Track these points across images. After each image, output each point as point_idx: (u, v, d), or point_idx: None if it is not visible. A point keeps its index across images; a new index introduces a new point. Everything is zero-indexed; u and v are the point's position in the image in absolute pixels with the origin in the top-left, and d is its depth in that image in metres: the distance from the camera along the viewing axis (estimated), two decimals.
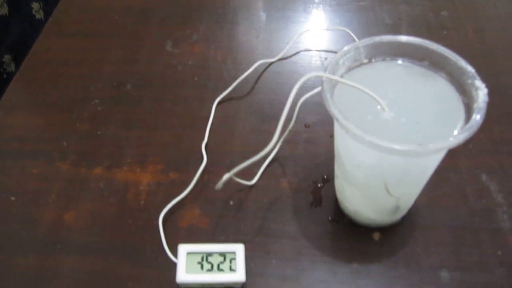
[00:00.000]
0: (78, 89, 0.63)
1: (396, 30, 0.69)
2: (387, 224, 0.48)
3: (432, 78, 0.41)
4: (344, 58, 0.41)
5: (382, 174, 0.40)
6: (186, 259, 0.44)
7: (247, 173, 0.52)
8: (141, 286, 0.45)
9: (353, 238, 0.47)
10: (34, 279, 0.46)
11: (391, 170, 0.40)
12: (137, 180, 0.53)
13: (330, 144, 0.46)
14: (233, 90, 0.61)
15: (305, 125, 0.57)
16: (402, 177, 0.41)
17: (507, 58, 0.64)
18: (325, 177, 0.52)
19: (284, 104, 0.36)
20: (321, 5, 0.74)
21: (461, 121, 0.37)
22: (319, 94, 0.59)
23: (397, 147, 0.34)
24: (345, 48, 0.41)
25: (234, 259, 0.44)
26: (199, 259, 0.44)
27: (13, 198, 0.52)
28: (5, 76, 0.86)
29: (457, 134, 0.35)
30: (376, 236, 0.48)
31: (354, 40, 0.66)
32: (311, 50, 0.67)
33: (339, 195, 0.49)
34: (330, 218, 0.49)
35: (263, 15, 0.73)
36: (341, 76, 0.41)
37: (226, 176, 0.41)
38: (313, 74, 0.37)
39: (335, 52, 0.41)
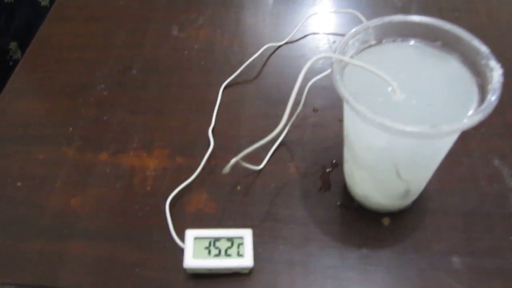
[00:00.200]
0: (84, 74, 0.63)
1: (406, 12, 0.67)
2: (397, 209, 0.47)
3: (444, 59, 0.40)
4: (354, 39, 0.40)
5: (392, 157, 0.39)
6: (193, 244, 0.44)
7: (255, 158, 0.51)
8: (148, 271, 0.45)
9: (362, 223, 0.47)
10: (41, 264, 0.46)
11: (402, 153, 0.39)
12: (144, 165, 0.52)
13: (339, 129, 0.46)
14: (240, 74, 0.60)
15: (313, 109, 0.56)
16: (413, 161, 0.40)
17: None
18: (334, 161, 0.52)
19: (291, 88, 0.35)
20: None
21: (474, 104, 0.36)
22: (327, 77, 0.58)
23: (408, 129, 0.33)
24: (354, 29, 0.40)
25: (241, 244, 0.44)
26: (207, 244, 0.44)
27: (19, 184, 0.52)
28: (11, 63, 0.86)
29: (471, 115, 0.34)
30: (386, 221, 0.47)
31: (363, 23, 0.64)
32: (318, 33, 0.66)
33: (348, 179, 0.48)
34: (339, 203, 0.48)
35: None
36: (351, 58, 0.40)
37: (233, 160, 0.41)
38: (322, 55, 0.36)
39: (343, 35, 0.40)
